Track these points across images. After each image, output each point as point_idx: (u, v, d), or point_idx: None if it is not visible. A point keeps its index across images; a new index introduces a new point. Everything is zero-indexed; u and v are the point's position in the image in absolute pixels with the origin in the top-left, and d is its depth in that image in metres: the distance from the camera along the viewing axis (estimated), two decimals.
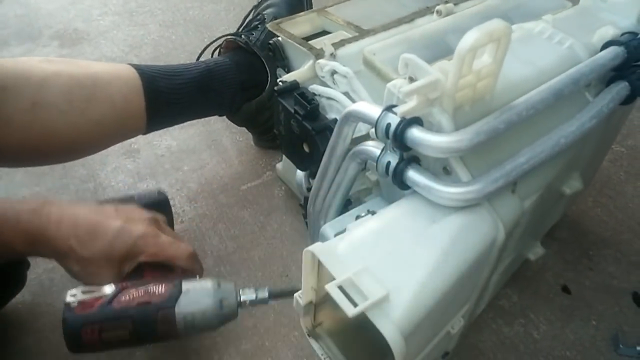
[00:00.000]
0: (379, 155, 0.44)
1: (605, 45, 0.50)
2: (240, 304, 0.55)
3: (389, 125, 0.41)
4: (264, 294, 0.56)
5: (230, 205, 0.85)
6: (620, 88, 0.49)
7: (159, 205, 0.70)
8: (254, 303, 0.56)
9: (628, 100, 0.50)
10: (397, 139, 0.41)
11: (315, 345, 0.51)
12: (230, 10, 1.42)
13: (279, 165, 0.86)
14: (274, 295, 0.56)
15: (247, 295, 0.55)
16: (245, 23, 0.94)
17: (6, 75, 0.60)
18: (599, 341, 0.67)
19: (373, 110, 0.43)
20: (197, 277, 0.59)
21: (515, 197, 0.45)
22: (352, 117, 0.46)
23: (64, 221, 0.55)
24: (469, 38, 0.37)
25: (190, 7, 1.44)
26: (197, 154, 0.95)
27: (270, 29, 0.62)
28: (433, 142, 0.39)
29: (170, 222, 0.75)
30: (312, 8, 0.92)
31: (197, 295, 0.54)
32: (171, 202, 0.84)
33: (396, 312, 0.37)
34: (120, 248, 0.56)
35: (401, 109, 0.41)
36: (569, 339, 0.67)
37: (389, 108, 0.42)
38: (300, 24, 0.64)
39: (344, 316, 0.46)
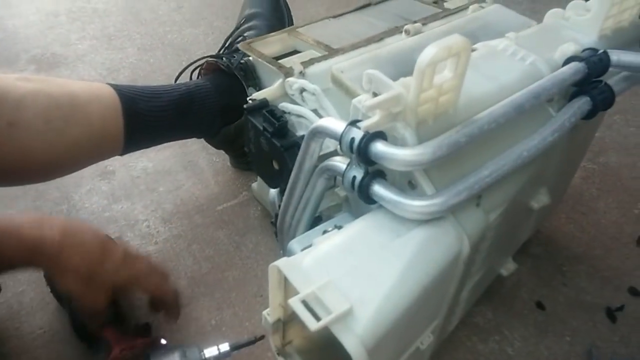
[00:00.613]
0: (345, 170, 0.45)
1: (567, 61, 0.51)
2: None
3: (352, 139, 0.42)
4: (225, 347, 0.60)
5: (205, 225, 0.85)
6: (582, 103, 0.50)
7: None
8: (217, 358, 0.60)
9: (590, 115, 0.51)
10: (361, 153, 0.41)
11: None
12: (209, 34, 1.43)
13: (255, 185, 0.86)
14: (234, 348, 0.60)
15: (211, 352, 0.60)
16: (227, 44, 0.94)
17: None
18: (573, 357, 0.67)
19: (338, 125, 0.43)
20: (163, 341, 0.63)
21: (479, 210, 0.45)
22: (319, 133, 0.46)
23: (70, 235, 0.55)
24: (428, 52, 0.38)
25: (168, 31, 1.45)
26: (173, 175, 0.94)
27: (241, 48, 0.63)
28: (395, 156, 0.39)
29: None
30: None
31: None
32: (145, 224, 0.84)
33: (360, 325, 0.37)
34: (123, 276, 0.58)
35: (364, 124, 0.41)
36: (543, 355, 0.67)
37: (353, 123, 0.42)
38: (272, 43, 0.64)
39: (313, 333, 0.46)
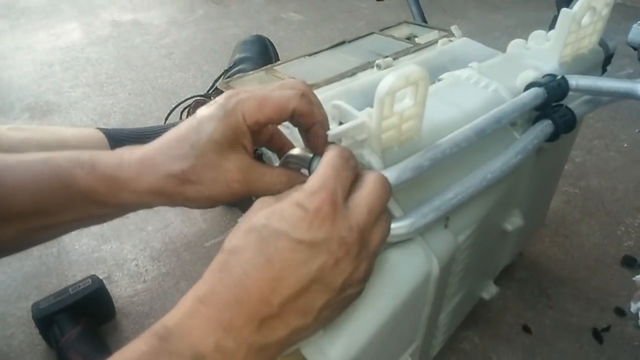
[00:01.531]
0: None
1: (527, 87, 0.53)
2: None
3: None
4: None
5: (193, 262, 0.86)
6: (544, 126, 0.52)
7: (95, 293, 0.72)
8: None
9: (553, 137, 0.53)
10: None
11: None
12: (198, 77, 1.47)
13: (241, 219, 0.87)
14: None
15: None
16: (216, 86, 0.98)
17: None
18: None
19: (305, 154, 0.45)
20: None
21: (448, 231, 0.46)
22: (289, 163, 0.48)
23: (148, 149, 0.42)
24: (386, 82, 0.40)
25: (159, 76, 1.49)
26: (161, 213, 0.96)
27: (220, 87, 0.65)
28: None
29: (109, 307, 0.76)
30: None
31: None
32: (134, 262, 0.85)
33: (331, 349, 0.37)
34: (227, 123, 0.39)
35: None
36: None
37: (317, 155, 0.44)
38: (249, 82, 0.67)
39: (297, 358, 0.46)
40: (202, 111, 0.40)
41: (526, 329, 0.73)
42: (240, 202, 0.71)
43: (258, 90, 0.40)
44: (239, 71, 1.10)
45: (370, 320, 0.40)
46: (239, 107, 0.39)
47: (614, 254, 0.84)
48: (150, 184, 0.40)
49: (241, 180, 0.40)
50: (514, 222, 0.60)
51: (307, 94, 0.41)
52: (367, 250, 0.35)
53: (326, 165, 0.36)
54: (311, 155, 0.42)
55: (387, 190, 0.37)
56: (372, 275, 0.41)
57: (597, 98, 0.56)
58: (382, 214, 0.37)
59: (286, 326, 0.32)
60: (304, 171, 0.42)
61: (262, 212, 0.34)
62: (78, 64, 1.58)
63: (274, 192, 0.41)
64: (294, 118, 0.40)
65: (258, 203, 0.36)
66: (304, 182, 0.37)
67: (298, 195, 0.34)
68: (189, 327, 0.30)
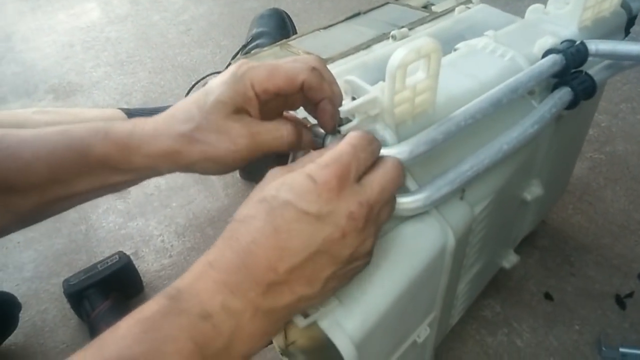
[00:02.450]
0: None
1: (545, 54, 0.52)
2: None
3: None
4: None
5: (217, 237, 0.87)
6: (563, 94, 0.51)
7: (122, 269, 0.74)
8: None
9: (572, 105, 0.52)
10: None
11: None
12: (217, 53, 1.48)
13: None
14: None
15: None
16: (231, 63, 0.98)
17: (2, 127, 0.63)
18: (583, 345, 0.67)
19: (319, 131, 0.45)
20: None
21: (464, 203, 0.46)
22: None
23: (159, 117, 0.43)
24: (397, 56, 0.40)
25: (178, 53, 1.50)
26: (185, 190, 0.98)
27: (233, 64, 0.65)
28: None
29: (136, 282, 0.78)
30: None
31: None
32: (160, 239, 0.87)
33: (348, 321, 0.38)
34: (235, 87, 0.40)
35: (344, 128, 0.43)
36: (553, 345, 0.67)
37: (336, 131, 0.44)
38: (264, 58, 0.67)
39: (314, 333, 0.48)
40: (215, 78, 0.42)
41: (548, 297, 0.73)
42: (258, 176, 0.71)
43: (270, 62, 0.41)
44: (256, 46, 1.09)
45: (387, 292, 0.40)
46: (248, 74, 0.40)
47: (639, 219, 0.83)
48: (161, 146, 0.42)
49: (245, 134, 0.41)
50: (533, 191, 0.59)
51: (318, 69, 0.41)
52: (375, 226, 0.36)
53: (346, 142, 0.36)
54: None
55: (402, 175, 0.38)
56: (389, 248, 0.42)
57: (619, 63, 0.55)
58: (392, 196, 0.37)
59: (292, 293, 0.33)
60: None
61: (272, 184, 0.35)
62: (98, 44, 1.60)
63: (282, 142, 0.42)
64: (304, 91, 0.41)
65: (270, 174, 0.37)
66: (308, 135, 0.42)
67: (310, 166, 0.34)
68: (197, 288, 0.32)
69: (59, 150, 0.43)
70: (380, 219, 0.36)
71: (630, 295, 0.72)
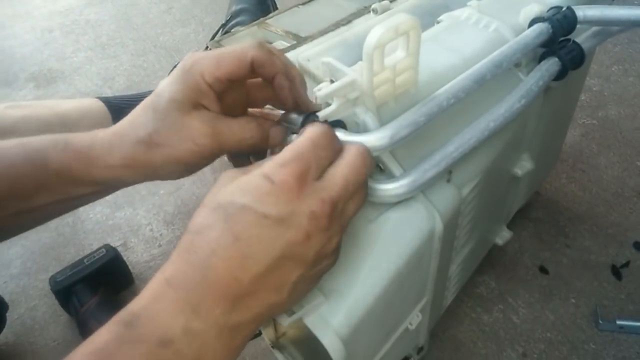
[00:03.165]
0: None
1: (531, 23, 0.50)
2: None
3: None
4: None
5: None
6: (550, 64, 0.49)
7: (109, 263, 0.73)
8: None
9: (560, 76, 0.50)
10: None
11: (279, 356, 0.52)
12: (199, 31, 1.44)
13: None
14: None
15: None
16: (207, 45, 0.95)
17: None
18: (580, 319, 0.66)
19: (295, 116, 0.43)
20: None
21: (450, 186, 0.45)
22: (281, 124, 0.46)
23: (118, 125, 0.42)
24: (373, 35, 0.37)
25: (160, 33, 1.46)
26: None
27: (211, 47, 0.63)
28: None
29: (125, 275, 0.77)
30: None
31: None
32: (148, 228, 0.86)
33: (333, 316, 0.37)
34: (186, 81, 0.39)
35: (322, 113, 0.41)
36: (549, 320, 0.66)
37: (312, 114, 0.42)
38: (242, 38, 0.64)
39: (302, 325, 0.46)
40: (165, 79, 0.40)
41: (543, 270, 0.72)
42: (246, 160, 0.69)
43: (217, 49, 0.40)
44: (236, 24, 1.06)
45: (373, 283, 0.39)
46: (196, 66, 0.39)
47: (633, 185, 0.82)
48: (121, 155, 0.40)
49: (208, 133, 0.39)
50: (523, 166, 0.58)
51: (265, 45, 0.40)
52: (340, 222, 0.34)
53: (304, 137, 0.34)
54: (302, 117, 0.41)
55: (367, 163, 0.35)
56: (374, 238, 0.41)
57: (607, 29, 0.53)
58: (359, 187, 0.35)
59: (260, 303, 0.31)
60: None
61: (227, 188, 0.32)
62: (78, 28, 1.55)
63: (247, 142, 0.41)
64: (255, 70, 0.39)
65: (223, 177, 0.34)
66: (273, 126, 0.40)
67: (266, 166, 0.32)
68: (155, 310, 0.29)
69: (19, 163, 0.41)
70: (346, 214, 0.34)
71: (626, 265, 0.71)
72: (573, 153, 0.88)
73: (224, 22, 1.09)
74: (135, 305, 0.30)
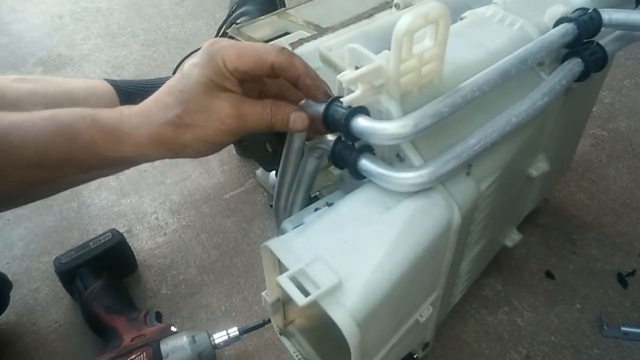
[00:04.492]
0: (332, 147, 0.44)
1: (557, 23, 0.50)
2: (215, 346, 0.61)
3: (335, 116, 0.41)
4: (234, 332, 0.62)
5: (212, 214, 0.85)
6: (573, 65, 0.49)
7: (115, 247, 0.73)
8: (227, 342, 0.62)
9: (582, 77, 0.50)
10: (344, 129, 0.41)
11: (287, 343, 0.51)
12: (212, 25, 1.44)
13: (258, 172, 0.86)
14: (243, 332, 0.62)
15: (220, 337, 0.61)
16: (221, 33, 0.95)
17: None
18: (584, 324, 0.66)
19: (319, 103, 0.43)
20: (173, 328, 0.62)
21: (470, 179, 0.45)
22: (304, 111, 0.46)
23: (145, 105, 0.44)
24: (404, 21, 0.38)
25: (171, 25, 1.46)
26: (179, 166, 0.95)
27: (230, 33, 0.63)
28: (377, 130, 0.39)
29: (130, 260, 0.77)
30: None
31: (177, 357, 0.59)
32: (154, 216, 0.85)
33: (349, 299, 0.37)
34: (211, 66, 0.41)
35: (346, 99, 0.41)
36: (554, 324, 0.66)
37: (335, 99, 0.42)
38: (261, 27, 0.64)
39: (314, 312, 0.46)
40: (189, 60, 0.43)
41: (549, 275, 0.72)
42: (252, 152, 0.69)
43: (241, 42, 0.44)
44: (242, 14, 1.03)
45: (390, 270, 0.39)
46: (219, 53, 0.41)
47: None
48: (149, 135, 0.42)
49: (234, 114, 0.42)
50: (539, 167, 0.58)
51: (285, 50, 0.43)
52: None
53: None
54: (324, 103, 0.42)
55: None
56: (393, 224, 0.40)
57: (631, 33, 0.53)
58: None
59: None
60: None
61: None
62: (89, 15, 1.55)
63: (266, 122, 0.43)
64: (277, 72, 0.42)
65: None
66: (295, 111, 0.43)
67: None
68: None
69: (48, 135, 0.42)
70: None
71: (632, 273, 0.71)
72: (583, 162, 0.88)
73: (229, 13, 1.08)
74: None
